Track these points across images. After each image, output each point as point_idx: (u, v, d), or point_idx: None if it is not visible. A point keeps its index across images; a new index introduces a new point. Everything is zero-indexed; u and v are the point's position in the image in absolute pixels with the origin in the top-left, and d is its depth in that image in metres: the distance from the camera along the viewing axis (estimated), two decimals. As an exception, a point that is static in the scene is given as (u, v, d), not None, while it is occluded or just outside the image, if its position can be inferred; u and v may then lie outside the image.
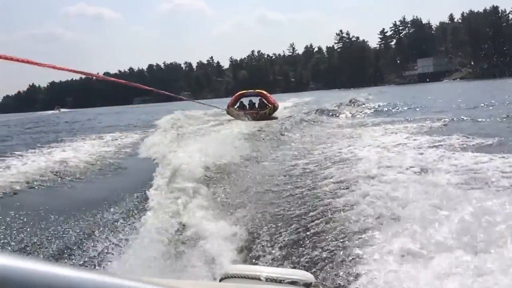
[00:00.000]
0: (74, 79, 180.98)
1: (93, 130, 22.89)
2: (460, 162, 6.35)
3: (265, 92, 21.33)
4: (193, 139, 11.81)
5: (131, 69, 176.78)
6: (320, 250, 3.95)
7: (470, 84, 57.67)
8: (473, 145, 8.25)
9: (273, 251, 4.18)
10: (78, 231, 5.30)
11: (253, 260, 4.10)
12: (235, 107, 20.75)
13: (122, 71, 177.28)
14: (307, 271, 1.42)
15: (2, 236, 5.20)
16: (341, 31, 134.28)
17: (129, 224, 5.32)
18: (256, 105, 21.16)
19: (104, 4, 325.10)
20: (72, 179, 8.72)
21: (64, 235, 5.18)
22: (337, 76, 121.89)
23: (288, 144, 11.13)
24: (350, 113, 20.77)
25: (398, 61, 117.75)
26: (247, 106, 21.29)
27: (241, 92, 22.04)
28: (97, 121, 34.71)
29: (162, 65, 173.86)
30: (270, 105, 20.09)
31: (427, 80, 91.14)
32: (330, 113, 20.21)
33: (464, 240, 3.33)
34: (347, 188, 5.59)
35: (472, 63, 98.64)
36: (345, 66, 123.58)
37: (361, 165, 6.73)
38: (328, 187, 5.92)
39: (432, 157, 6.96)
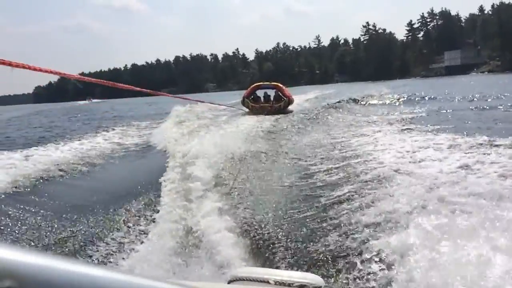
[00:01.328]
0: (103, 70, 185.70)
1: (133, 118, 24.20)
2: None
3: (280, 85, 21.07)
4: (204, 133, 11.56)
5: (158, 60, 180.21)
6: (331, 253, 3.91)
7: (499, 77, 56.02)
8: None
9: (283, 254, 4.14)
10: (89, 229, 5.32)
11: (262, 263, 4.06)
12: (250, 98, 20.66)
13: (149, 62, 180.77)
14: (317, 274, 1.46)
15: (16, 231, 5.32)
16: (367, 23, 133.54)
17: (139, 224, 5.33)
18: (271, 98, 20.97)
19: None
20: (87, 171, 8.93)
21: (75, 233, 5.21)
22: (362, 68, 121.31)
23: (297, 141, 10.78)
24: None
25: (425, 54, 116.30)
26: (262, 99, 21.20)
27: (256, 84, 21.88)
28: (139, 110, 35.62)
29: (188, 57, 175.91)
30: (285, 98, 19.95)
31: (454, 73, 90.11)
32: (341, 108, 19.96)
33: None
34: (360, 191, 5.44)
35: (501, 56, 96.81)
36: (371, 59, 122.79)
37: (376, 166, 6.55)
38: (341, 189, 5.77)
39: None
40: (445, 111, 16.37)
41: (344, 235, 4.16)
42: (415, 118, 14.26)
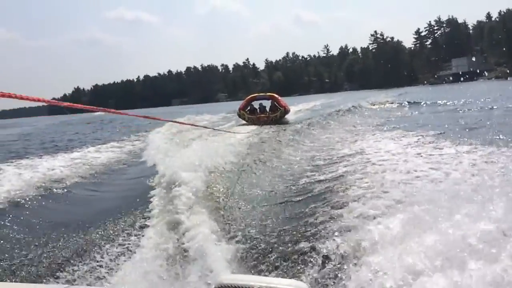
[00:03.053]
0: (116, 82, 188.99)
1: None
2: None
3: (276, 96, 21.51)
4: (195, 144, 11.42)
5: (169, 71, 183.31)
6: (315, 259, 3.95)
7: (504, 83, 57.64)
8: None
9: (268, 261, 4.20)
10: (72, 245, 5.23)
11: (248, 270, 4.11)
12: (246, 110, 20.96)
13: (161, 73, 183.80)
14: (300, 280, 1.47)
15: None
16: (375, 31, 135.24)
17: (124, 237, 5.33)
18: (267, 108, 21.19)
19: (143, 8, 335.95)
20: (72, 188, 8.74)
21: (55, 252, 5.11)
22: (371, 76, 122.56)
23: (287, 152, 11.10)
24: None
25: (433, 61, 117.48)
26: (258, 110, 21.37)
27: (252, 95, 22.31)
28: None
29: (199, 68, 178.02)
30: (281, 108, 20.24)
31: (462, 79, 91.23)
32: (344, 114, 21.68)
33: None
34: (344, 199, 5.53)
35: (508, 62, 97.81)
36: (379, 67, 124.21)
37: (361, 175, 6.69)
38: (325, 197, 5.92)
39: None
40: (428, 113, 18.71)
41: (328, 242, 4.17)
42: (390, 121, 16.42)
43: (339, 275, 3.58)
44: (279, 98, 21.21)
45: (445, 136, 10.37)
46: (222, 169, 8.21)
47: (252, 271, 4.07)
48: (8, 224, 6.18)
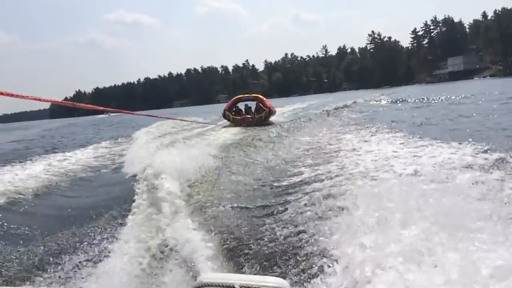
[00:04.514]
0: (117, 84, 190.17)
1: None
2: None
3: (261, 97, 21.65)
4: (177, 146, 11.49)
5: (170, 73, 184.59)
6: (295, 257, 3.97)
7: (498, 81, 59.27)
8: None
9: (249, 259, 4.19)
10: (49, 247, 5.15)
11: (229, 268, 4.08)
12: (232, 111, 21.02)
13: (162, 75, 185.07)
14: (281, 277, 1.47)
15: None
16: (373, 31, 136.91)
17: (105, 239, 5.24)
18: (253, 110, 21.29)
19: (142, 10, 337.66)
20: (54, 189, 8.70)
21: (36, 252, 5.05)
22: (369, 76, 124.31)
23: (265, 151, 11.34)
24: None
25: (429, 60, 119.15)
26: (243, 111, 21.51)
27: (237, 97, 22.43)
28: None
29: (199, 69, 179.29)
30: (266, 109, 20.31)
31: (458, 78, 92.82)
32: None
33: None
34: (326, 196, 5.55)
35: (502, 60, 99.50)
36: (377, 67, 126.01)
37: (342, 171, 6.97)
38: (304, 194, 5.97)
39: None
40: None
41: (310, 240, 4.20)
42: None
43: (321, 273, 3.55)
44: (264, 99, 21.39)
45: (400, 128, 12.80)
46: (204, 169, 8.21)
47: (234, 270, 4.04)
48: None
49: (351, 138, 11.37)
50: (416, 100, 29.30)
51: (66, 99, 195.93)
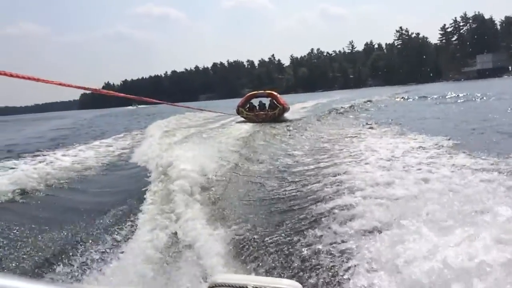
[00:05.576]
0: (144, 77, 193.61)
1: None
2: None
3: (275, 93, 21.53)
4: (192, 141, 11.63)
5: (196, 67, 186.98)
6: (309, 259, 3.92)
7: None
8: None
9: (262, 260, 4.16)
10: (64, 241, 5.18)
11: (242, 269, 4.07)
12: (245, 107, 21.11)
13: (188, 69, 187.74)
14: (295, 280, 1.45)
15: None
16: (400, 27, 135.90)
17: (118, 234, 5.25)
18: (267, 106, 21.36)
19: (170, 3, 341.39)
20: (67, 183, 8.64)
21: (49, 246, 5.04)
22: (395, 72, 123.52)
23: (283, 148, 11.22)
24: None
25: (458, 57, 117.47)
26: (257, 107, 21.56)
27: (252, 93, 22.52)
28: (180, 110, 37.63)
29: (225, 63, 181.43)
30: (280, 106, 20.41)
31: (487, 76, 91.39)
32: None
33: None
34: (338, 196, 5.45)
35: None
36: (404, 63, 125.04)
37: (358, 173, 6.57)
38: (320, 194, 5.82)
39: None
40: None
41: (324, 242, 4.13)
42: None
43: (336, 277, 3.50)
44: (278, 95, 21.36)
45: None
46: (219, 164, 8.18)
47: (248, 271, 4.01)
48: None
49: (374, 140, 10.44)
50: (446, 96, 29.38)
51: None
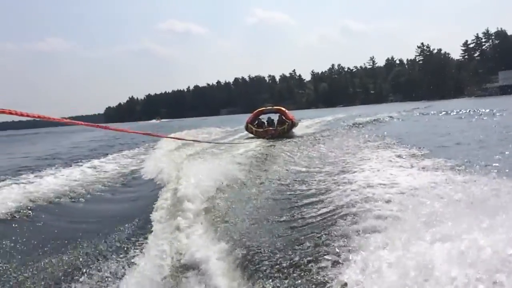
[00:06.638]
0: (167, 91, 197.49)
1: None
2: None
3: (283, 109, 21.57)
4: (201, 157, 11.80)
5: (218, 82, 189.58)
6: (316, 273, 3.90)
7: None
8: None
9: (270, 274, 4.16)
10: (73, 258, 5.19)
11: (247, 282, 4.10)
12: (254, 124, 21.00)
13: (210, 84, 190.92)
14: None
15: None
16: (422, 43, 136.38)
17: (128, 253, 5.26)
18: (275, 122, 21.18)
19: (192, 20, 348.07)
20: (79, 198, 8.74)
21: (60, 262, 5.10)
22: (416, 88, 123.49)
23: (290, 162, 11.37)
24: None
25: (480, 74, 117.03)
26: (266, 123, 21.36)
27: (260, 109, 22.29)
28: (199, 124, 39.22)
29: (247, 78, 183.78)
30: (288, 121, 20.27)
31: (509, 92, 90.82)
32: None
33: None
34: (347, 208, 5.49)
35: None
36: (425, 79, 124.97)
37: (364, 186, 6.55)
38: (328, 208, 5.88)
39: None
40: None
41: (332, 256, 4.09)
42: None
43: None
44: (287, 111, 21.40)
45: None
46: (226, 181, 8.21)
47: (253, 284, 4.03)
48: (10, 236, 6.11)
49: (378, 155, 10.37)
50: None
51: (119, 104, 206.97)
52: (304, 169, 10.12)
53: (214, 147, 14.75)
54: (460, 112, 29.63)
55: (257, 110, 22.09)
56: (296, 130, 21.20)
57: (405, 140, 13.91)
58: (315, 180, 8.35)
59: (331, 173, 8.75)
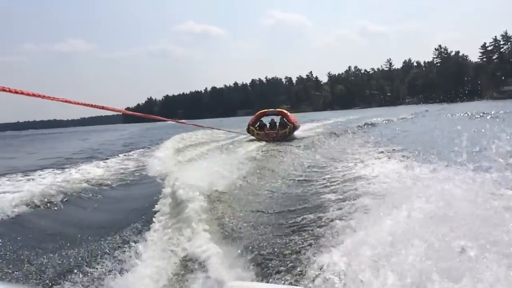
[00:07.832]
0: (185, 92, 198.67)
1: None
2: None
3: (285, 112, 21.67)
4: (203, 157, 11.93)
5: (235, 83, 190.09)
6: (320, 267, 3.93)
7: None
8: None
9: (273, 268, 4.20)
10: (76, 256, 5.20)
11: (253, 277, 4.12)
12: (256, 126, 20.95)
13: (228, 85, 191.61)
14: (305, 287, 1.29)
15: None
16: (440, 46, 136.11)
17: (131, 247, 5.28)
18: (277, 124, 21.18)
19: (210, 21, 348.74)
20: (83, 196, 8.78)
21: (63, 260, 5.09)
22: (433, 90, 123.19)
23: (288, 162, 11.57)
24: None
25: (498, 76, 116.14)
26: (268, 126, 21.28)
27: (262, 111, 22.15)
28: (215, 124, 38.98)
29: (264, 80, 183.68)
30: (290, 124, 20.29)
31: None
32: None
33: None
34: (349, 205, 5.58)
35: None
36: (443, 81, 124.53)
37: (365, 183, 6.76)
38: (331, 204, 6.00)
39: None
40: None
41: (335, 250, 4.13)
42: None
43: (345, 286, 3.52)
44: (289, 114, 21.46)
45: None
46: (228, 181, 8.26)
47: (259, 278, 4.05)
48: (17, 230, 6.21)
49: (386, 159, 10.34)
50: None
51: (138, 105, 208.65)
52: (304, 169, 10.43)
53: (214, 149, 15.35)
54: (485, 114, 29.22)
55: (259, 112, 22.13)
56: (299, 132, 21.80)
57: (401, 140, 14.68)
58: (315, 180, 8.68)
59: (332, 173, 9.13)
